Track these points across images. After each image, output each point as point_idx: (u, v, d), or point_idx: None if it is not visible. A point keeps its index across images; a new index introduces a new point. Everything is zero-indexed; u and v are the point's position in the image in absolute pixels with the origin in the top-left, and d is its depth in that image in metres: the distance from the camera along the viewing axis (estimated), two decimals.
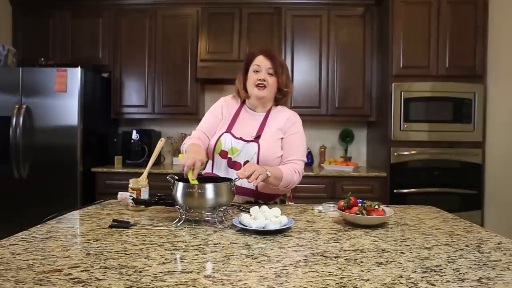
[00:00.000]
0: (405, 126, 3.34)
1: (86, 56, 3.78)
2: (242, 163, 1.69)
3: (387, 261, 1.01)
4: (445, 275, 0.92)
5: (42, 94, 3.32)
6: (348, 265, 0.98)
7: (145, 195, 1.61)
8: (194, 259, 1.00)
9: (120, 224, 1.33)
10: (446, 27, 3.34)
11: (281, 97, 1.85)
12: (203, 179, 1.53)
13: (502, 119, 3.15)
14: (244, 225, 1.28)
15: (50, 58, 3.74)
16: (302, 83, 3.71)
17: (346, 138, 4.00)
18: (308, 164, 3.81)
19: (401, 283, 0.86)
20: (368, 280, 0.88)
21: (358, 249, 1.12)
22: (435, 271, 0.94)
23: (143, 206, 1.57)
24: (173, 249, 1.09)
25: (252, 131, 1.76)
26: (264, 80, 1.75)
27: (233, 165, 1.73)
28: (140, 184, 1.61)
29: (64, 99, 3.32)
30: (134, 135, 3.63)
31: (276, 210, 1.34)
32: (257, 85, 1.76)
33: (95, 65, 3.70)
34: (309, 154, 3.87)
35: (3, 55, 3.53)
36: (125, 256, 1.02)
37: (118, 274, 0.89)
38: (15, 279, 0.86)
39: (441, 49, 3.35)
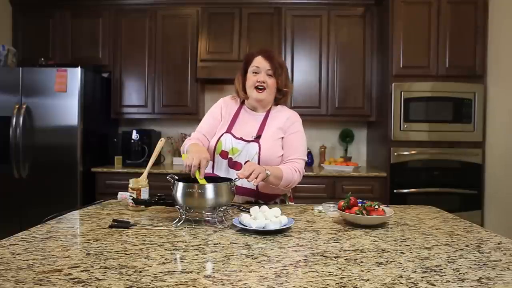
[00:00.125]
0: (405, 126, 3.34)
1: (86, 56, 3.78)
2: (242, 163, 1.69)
3: (387, 261, 1.01)
4: (445, 275, 0.92)
5: (42, 94, 3.32)
6: (348, 265, 0.98)
7: (145, 195, 1.61)
8: (194, 259, 1.00)
9: (120, 224, 1.33)
10: (446, 27, 3.34)
11: (281, 97, 1.84)
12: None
13: (502, 119, 3.15)
14: (244, 225, 1.28)
15: (50, 58, 3.74)
16: (302, 83, 3.71)
17: (346, 138, 4.00)
18: (308, 164, 3.81)
19: (401, 283, 0.86)
20: (368, 280, 0.88)
21: (358, 249, 1.12)
22: (435, 271, 0.94)
23: (143, 206, 1.57)
24: (173, 249, 1.09)
25: (252, 131, 1.76)
26: (263, 82, 1.75)
27: (234, 165, 1.73)
28: (140, 184, 1.61)
29: (64, 99, 3.32)
30: (134, 135, 3.63)
31: (276, 210, 1.34)
32: (256, 87, 1.76)
33: (95, 65, 3.70)
34: (309, 154, 3.87)
35: (3, 55, 3.53)
36: (125, 256, 1.02)
37: (118, 274, 0.89)
38: (15, 279, 0.86)
39: (441, 49, 3.35)
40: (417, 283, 0.86)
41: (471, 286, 0.85)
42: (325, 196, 3.35)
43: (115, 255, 1.03)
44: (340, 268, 0.95)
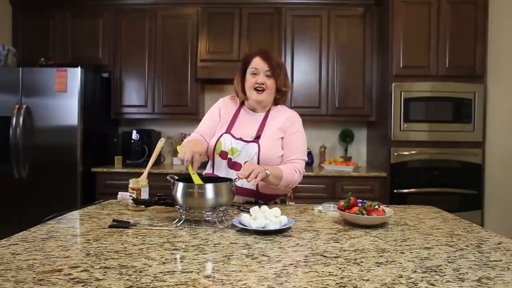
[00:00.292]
0: (405, 126, 3.34)
1: (86, 56, 3.78)
2: (242, 164, 1.69)
3: (387, 261, 1.01)
4: (445, 275, 0.92)
5: (42, 94, 3.32)
6: (348, 265, 0.98)
7: (145, 195, 1.61)
8: (194, 259, 1.00)
9: (120, 224, 1.33)
10: (446, 27, 3.34)
11: (280, 97, 1.84)
12: (203, 179, 1.53)
13: (502, 119, 3.15)
14: (244, 225, 1.28)
15: (50, 58, 3.74)
16: (302, 83, 3.71)
17: (346, 138, 4.00)
18: (308, 164, 3.81)
19: (401, 283, 0.86)
20: (368, 280, 0.88)
21: (358, 249, 1.12)
22: (435, 271, 0.94)
23: (143, 206, 1.57)
24: (173, 249, 1.09)
25: (252, 131, 1.76)
26: (262, 83, 1.75)
27: (233, 165, 1.72)
28: (140, 184, 1.61)
29: (64, 99, 3.32)
30: (134, 135, 3.63)
31: (276, 210, 1.34)
32: (255, 89, 1.76)
33: (95, 65, 3.70)
34: (309, 154, 3.87)
35: (3, 55, 3.53)
36: (125, 256, 1.02)
37: (118, 274, 0.89)
38: (15, 279, 0.86)
39: (441, 49, 3.35)
40: (417, 283, 0.86)
41: (471, 286, 0.85)
42: (325, 196, 3.35)
43: (115, 255, 1.03)
44: (340, 268, 0.95)
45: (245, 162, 1.67)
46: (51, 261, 0.98)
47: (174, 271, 0.92)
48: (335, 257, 1.04)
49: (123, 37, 3.80)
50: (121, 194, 1.81)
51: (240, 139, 1.74)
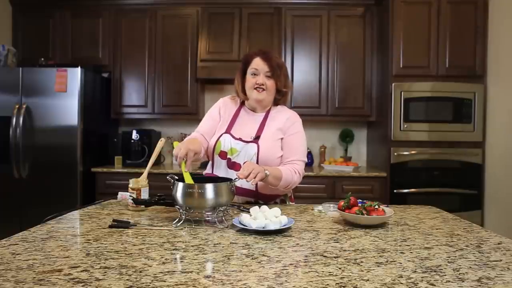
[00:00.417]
0: (405, 126, 3.34)
1: (86, 56, 3.78)
2: (241, 164, 1.69)
3: (387, 261, 1.01)
4: (445, 275, 0.92)
5: (42, 94, 3.32)
6: (348, 265, 0.98)
7: (145, 195, 1.61)
8: (194, 259, 1.00)
9: (120, 224, 1.33)
10: (446, 27, 3.34)
11: (280, 97, 1.84)
12: (203, 179, 1.53)
13: (502, 119, 3.15)
14: (244, 225, 1.28)
15: (50, 58, 3.74)
16: (302, 83, 3.71)
17: (346, 138, 4.00)
18: (308, 164, 3.81)
19: (401, 283, 0.86)
20: (368, 280, 0.88)
21: (358, 249, 1.12)
22: (435, 271, 0.94)
23: (143, 206, 1.57)
24: (173, 249, 1.09)
25: (252, 131, 1.76)
26: (262, 84, 1.75)
27: (233, 165, 1.72)
28: (140, 184, 1.61)
29: (64, 99, 3.32)
30: (134, 135, 3.63)
31: (276, 210, 1.34)
32: (255, 88, 1.76)
33: (95, 65, 3.70)
34: (309, 154, 3.87)
35: (3, 55, 3.53)
36: (125, 256, 1.02)
37: (118, 274, 0.89)
38: (15, 279, 0.86)
39: (441, 49, 3.35)
40: (417, 283, 0.86)
41: (471, 286, 0.85)
42: (325, 196, 3.35)
43: (115, 255, 1.03)
44: (340, 268, 0.95)
45: (244, 162, 1.68)
46: (51, 261, 0.98)
47: (174, 271, 0.92)
48: (335, 257, 1.04)
49: (123, 37, 3.80)
50: (121, 194, 1.82)
51: (240, 139, 1.74)
